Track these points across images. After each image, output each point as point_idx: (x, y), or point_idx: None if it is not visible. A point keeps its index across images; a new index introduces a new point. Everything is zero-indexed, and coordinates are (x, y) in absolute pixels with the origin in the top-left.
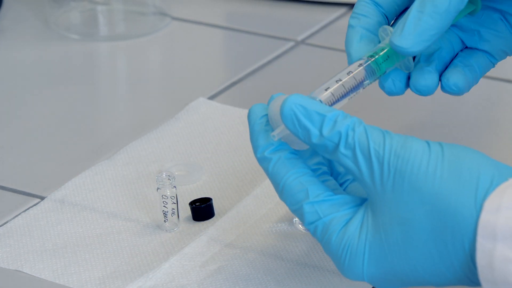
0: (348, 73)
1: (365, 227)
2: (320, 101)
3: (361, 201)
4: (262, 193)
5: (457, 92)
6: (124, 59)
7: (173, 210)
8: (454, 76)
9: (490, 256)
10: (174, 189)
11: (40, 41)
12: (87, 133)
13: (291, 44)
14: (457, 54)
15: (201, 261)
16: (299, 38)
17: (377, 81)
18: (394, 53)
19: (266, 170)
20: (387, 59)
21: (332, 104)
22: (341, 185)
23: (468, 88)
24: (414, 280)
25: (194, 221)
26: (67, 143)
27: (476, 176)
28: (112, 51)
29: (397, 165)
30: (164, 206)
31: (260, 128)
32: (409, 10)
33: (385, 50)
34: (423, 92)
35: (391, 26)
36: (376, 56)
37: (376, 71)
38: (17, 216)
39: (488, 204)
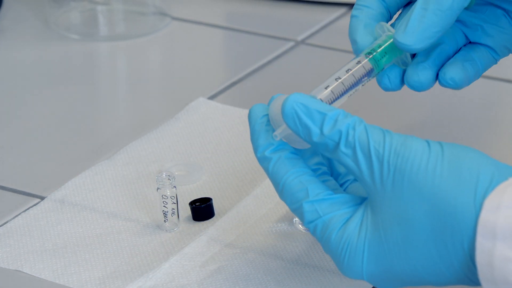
0: (347, 71)
1: (364, 226)
2: (320, 100)
3: (361, 201)
4: (262, 193)
5: (454, 86)
6: (124, 59)
7: (173, 210)
8: (451, 71)
9: (490, 255)
10: (174, 189)
11: (40, 41)
12: (87, 133)
13: (291, 44)
14: (460, 48)
15: (201, 261)
16: (299, 38)
17: (375, 78)
18: (392, 50)
19: (266, 170)
20: (384, 56)
21: (332, 102)
22: (341, 185)
23: (467, 83)
24: (414, 279)
25: (194, 221)
26: (67, 143)
27: (475, 175)
28: (112, 51)
29: (396, 164)
30: (164, 206)
31: (260, 127)
32: (413, 7)
33: (382, 47)
34: (417, 88)
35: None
36: (374, 53)
37: (374, 67)
38: (17, 216)
39: (488, 203)
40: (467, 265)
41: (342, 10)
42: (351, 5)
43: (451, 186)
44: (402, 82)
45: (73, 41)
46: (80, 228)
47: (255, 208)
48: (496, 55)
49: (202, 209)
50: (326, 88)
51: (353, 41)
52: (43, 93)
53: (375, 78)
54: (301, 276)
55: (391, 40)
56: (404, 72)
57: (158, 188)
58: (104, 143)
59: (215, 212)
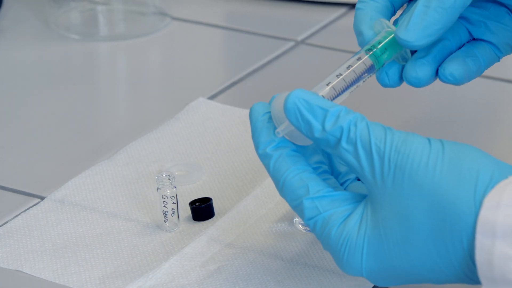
0: (348, 67)
1: (364, 222)
2: (322, 96)
3: (361, 198)
4: (262, 193)
5: (454, 81)
6: (124, 59)
7: (173, 210)
8: (451, 66)
9: (489, 253)
10: (174, 189)
11: (40, 41)
12: (87, 133)
13: (291, 44)
14: (463, 45)
15: (201, 261)
16: (299, 38)
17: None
18: (392, 46)
19: (267, 167)
20: (385, 52)
21: (333, 98)
22: (341, 184)
23: (468, 79)
24: (413, 277)
25: (194, 221)
26: (67, 143)
27: (475, 173)
28: (112, 51)
29: (397, 161)
30: (164, 206)
31: (262, 125)
32: (415, 4)
33: (382, 43)
34: (415, 84)
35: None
36: (374, 50)
37: (375, 64)
38: (17, 216)
39: (488, 201)
40: (466, 263)
41: (342, 10)
42: (351, 5)
43: (451, 184)
44: (401, 78)
45: (73, 41)
46: (80, 228)
47: (255, 208)
48: (499, 52)
49: (202, 209)
50: (327, 84)
51: (359, 33)
52: (43, 93)
53: (375, 76)
54: (301, 276)
55: (391, 36)
56: (403, 68)
57: (158, 188)
58: (104, 143)
59: (215, 212)
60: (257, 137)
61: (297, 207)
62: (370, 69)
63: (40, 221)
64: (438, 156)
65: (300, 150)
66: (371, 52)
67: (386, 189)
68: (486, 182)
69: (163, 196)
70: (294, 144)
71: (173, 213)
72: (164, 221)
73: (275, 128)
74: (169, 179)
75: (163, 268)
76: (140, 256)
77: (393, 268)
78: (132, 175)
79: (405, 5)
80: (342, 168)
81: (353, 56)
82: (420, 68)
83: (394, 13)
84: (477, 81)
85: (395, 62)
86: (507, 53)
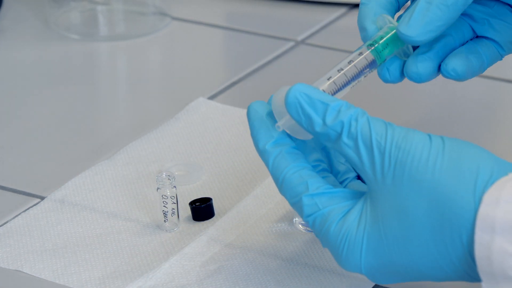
0: (349, 62)
1: (363, 218)
2: (323, 91)
3: (361, 195)
4: (262, 193)
5: (456, 77)
6: (124, 59)
7: (173, 210)
8: (454, 62)
9: (488, 249)
10: (174, 189)
11: (40, 41)
12: (87, 133)
13: (291, 44)
14: (466, 42)
15: (201, 261)
16: (299, 38)
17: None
18: (393, 41)
19: (266, 164)
20: (386, 47)
21: (334, 93)
22: (340, 183)
23: (470, 75)
24: (412, 274)
25: (194, 221)
26: (67, 143)
27: (475, 170)
28: (112, 51)
29: (398, 156)
30: (164, 206)
31: (261, 122)
32: (418, 0)
33: (384, 39)
34: (415, 79)
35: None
36: (376, 45)
37: (376, 59)
38: (17, 216)
39: (487, 197)
40: (465, 259)
41: (342, 10)
42: (351, 5)
43: (451, 180)
44: (402, 74)
45: (73, 41)
46: (80, 228)
47: (255, 208)
48: (501, 50)
49: (202, 209)
50: (328, 79)
51: (362, 28)
52: (43, 93)
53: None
54: (301, 276)
55: (393, 31)
56: (404, 64)
57: (158, 188)
58: (104, 143)
59: (215, 212)
60: (256, 134)
61: (296, 204)
62: (371, 64)
63: (40, 221)
64: (438, 152)
65: (300, 148)
66: (372, 47)
67: (386, 184)
68: (486, 179)
69: (163, 196)
70: (293, 141)
71: (173, 213)
72: (164, 221)
73: (273, 124)
74: (169, 179)
75: (163, 268)
76: (140, 256)
77: (392, 264)
78: (132, 175)
79: (409, 1)
80: (341, 167)
81: (354, 51)
82: (421, 64)
83: (398, 9)
84: (477, 81)
85: (397, 58)
86: (510, 52)
